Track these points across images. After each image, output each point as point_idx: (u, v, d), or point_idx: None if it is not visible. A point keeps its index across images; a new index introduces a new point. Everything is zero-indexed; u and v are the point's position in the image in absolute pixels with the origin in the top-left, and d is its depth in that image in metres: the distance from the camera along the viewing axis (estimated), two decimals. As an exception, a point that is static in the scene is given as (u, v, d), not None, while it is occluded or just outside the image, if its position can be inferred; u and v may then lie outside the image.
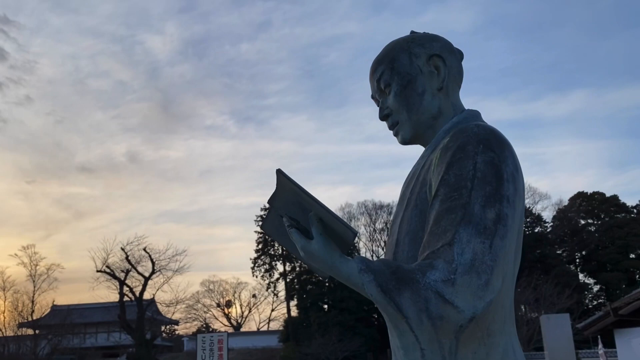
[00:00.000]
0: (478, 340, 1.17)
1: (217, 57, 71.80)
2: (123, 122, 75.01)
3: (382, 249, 55.79)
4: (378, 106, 1.59)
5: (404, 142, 1.54)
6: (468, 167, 1.23)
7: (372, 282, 1.15)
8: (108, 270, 38.03)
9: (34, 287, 36.35)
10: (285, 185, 1.20)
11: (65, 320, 35.05)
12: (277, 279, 55.44)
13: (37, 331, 34.43)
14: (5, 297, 35.99)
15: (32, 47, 62.92)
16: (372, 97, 1.61)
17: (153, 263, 38.64)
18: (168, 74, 65.39)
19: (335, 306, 47.82)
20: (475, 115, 1.49)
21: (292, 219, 1.23)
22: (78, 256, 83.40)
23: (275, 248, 53.69)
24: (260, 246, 53.46)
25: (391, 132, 1.59)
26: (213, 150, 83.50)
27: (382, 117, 1.57)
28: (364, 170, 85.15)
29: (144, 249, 38.55)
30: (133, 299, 38.43)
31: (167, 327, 58.55)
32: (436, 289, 1.11)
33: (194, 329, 42.39)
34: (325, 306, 50.96)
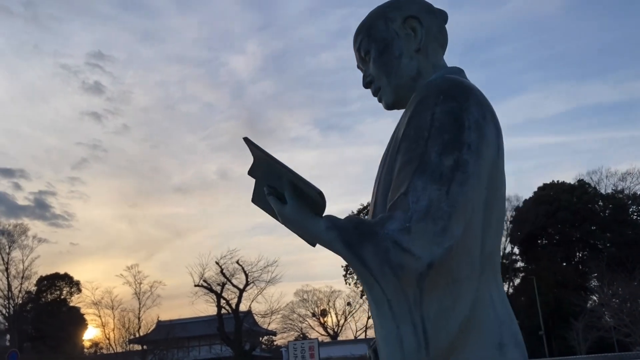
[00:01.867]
0: (442, 289, 1.15)
1: (298, 70, 72.82)
2: (212, 142, 78.01)
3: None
4: None
5: (388, 107, 1.53)
6: (426, 118, 1.23)
7: (337, 238, 1.19)
8: (205, 285, 39.22)
9: (140, 304, 38.24)
10: (257, 154, 1.27)
11: (169, 335, 36.46)
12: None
13: (144, 347, 36.08)
14: (113, 315, 38.13)
15: (126, 79, 67.09)
16: (358, 67, 1.60)
17: (246, 275, 39.37)
18: (252, 92, 67.26)
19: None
20: (452, 71, 1.45)
21: (270, 187, 1.29)
22: (178, 273, 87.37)
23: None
24: (351, 253, 52.58)
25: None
26: (299, 160, 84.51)
27: (366, 85, 1.57)
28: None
29: (237, 262, 39.39)
30: (230, 311, 39.35)
31: (266, 337, 59.59)
32: (394, 238, 1.12)
33: (291, 339, 42.76)
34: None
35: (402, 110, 1.46)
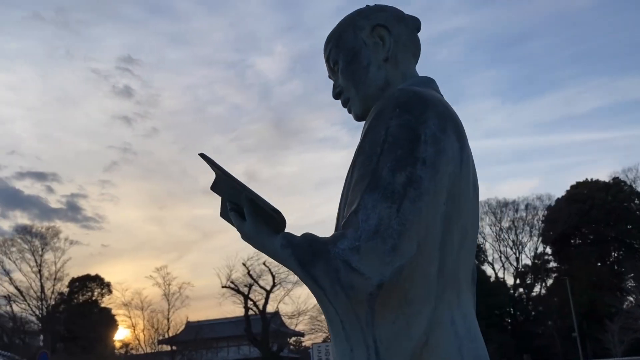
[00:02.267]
0: (395, 310, 1.11)
1: (325, 70, 72.81)
2: (240, 143, 78.52)
3: (511, 249, 52.50)
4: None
5: (357, 118, 1.48)
6: (381, 132, 1.19)
7: (291, 257, 1.16)
8: (232, 286, 39.45)
9: (169, 305, 38.61)
10: (216, 171, 1.27)
11: (198, 335, 36.72)
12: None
13: (173, 347, 36.42)
14: (143, 316, 38.60)
15: (155, 82, 68.13)
16: (329, 77, 1.56)
17: (273, 276, 39.37)
18: (279, 93, 67.47)
19: (464, 312, 45.62)
20: (420, 81, 1.40)
21: (233, 203, 1.29)
22: (206, 274, 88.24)
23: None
24: (379, 254, 52.31)
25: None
26: (327, 161, 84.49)
27: (335, 96, 1.52)
28: (486, 167, 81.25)
29: (264, 263, 39.45)
30: (257, 312, 39.45)
31: (294, 338, 59.63)
32: (344, 257, 1.09)
33: (319, 340, 42.69)
34: (453, 312, 48.90)
35: None
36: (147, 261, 73.78)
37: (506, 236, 52.55)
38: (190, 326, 40.69)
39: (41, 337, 38.18)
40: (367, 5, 1.51)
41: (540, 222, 50.07)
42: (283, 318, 45.85)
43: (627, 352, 31.51)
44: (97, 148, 73.41)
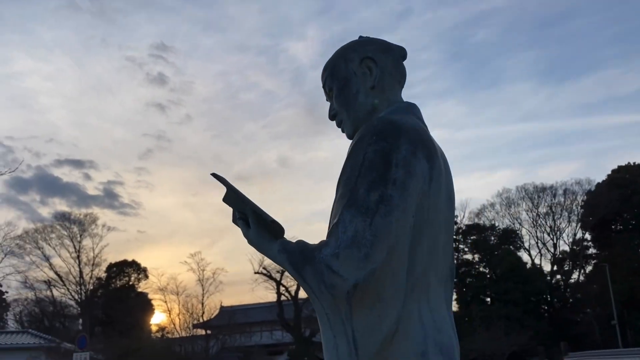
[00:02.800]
0: (369, 307, 1.34)
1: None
2: (272, 130, 78.64)
3: (548, 235, 51.23)
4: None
5: (349, 137, 1.70)
6: (360, 157, 1.42)
7: (286, 261, 1.42)
8: (264, 272, 39.73)
9: (203, 290, 39.18)
10: (226, 185, 1.51)
11: (231, 320, 37.16)
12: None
13: (208, 331, 36.95)
14: (178, 300, 39.26)
15: (188, 69, 68.55)
16: (326, 100, 1.79)
17: (306, 262, 39.38)
18: (311, 78, 66.97)
19: (499, 299, 44.76)
20: (402, 107, 1.62)
21: (240, 213, 1.56)
22: (239, 260, 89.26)
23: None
24: (412, 240, 51.89)
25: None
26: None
27: (331, 118, 1.76)
28: (524, 152, 79.29)
29: (296, 249, 39.49)
30: (290, 298, 39.66)
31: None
32: (326, 262, 1.33)
33: (351, 326, 42.62)
34: (488, 299, 48.02)
35: None
36: (182, 247, 75.01)
37: (543, 222, 51.26)
38: (224, 311, 41.21)
39: (80, 321, 39.31)
40: (360, 36, 1.76)
41: (579, 207, 48.66)
42: (315, 304, 45.92)
43: (670, 342, 30.45)
44: (132, 136, 74.68)
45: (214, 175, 1.52)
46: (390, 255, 1.34)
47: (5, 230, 33.02)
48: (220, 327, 36.83)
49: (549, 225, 50.93)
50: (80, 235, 39.24)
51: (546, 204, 50.63)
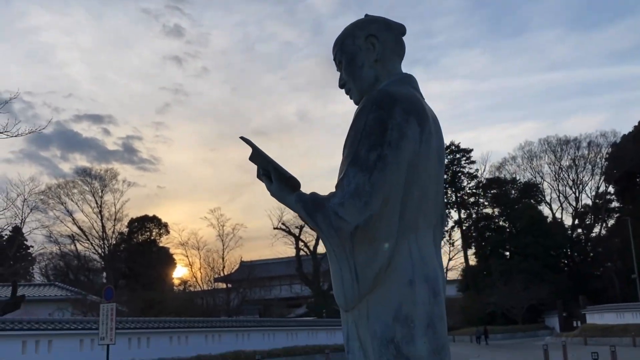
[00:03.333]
0: (367, 245, 1.78)
1: (379, 1, 70.14)
2: (291, 82, 77.73)
3: (570, 188, 50.48)
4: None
5: (355, 103, 2.07)
6: (361, 123, 1.82)
7: (302, 209, 1.84)
8: (284, 227, 40.06)
9: (223, 245, 39.68)
10: (252, 146, 1.89)
11: (251, 274, 37.71)
12: (452, 227, 53.47)
13: (228, 285, 37.60)
14: (199, 255, 39.91)
15: (205, 20, 67.59)
16: (337, 70, 2.16)
17: (324, 217, 39.49)
18: (331, 27, 65.68)
19: (519, 252, 44.65)
20: (400, 79, 2.01)
21: (264, 169, 1.94)
22: (260, 215, 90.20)
23: (449, 195, 51.49)
24: (431, 194, 51.51)
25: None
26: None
27: (340, 86, 2.13)
28: (549, 102, 77.30)
29: (315, 204, 39.54)
30: (308, 253, 40.01)
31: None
32: (334, 209, 1.76)
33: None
34: (507, 253, 47.97)
35: None
36: (201, 203, 75.77)
37: (566, 175, 50.45)
38: (244, 265, 41.79)
39: (104, 274, 40.22)
40: (366, 15, 2.13)
41: (603, 160, 47.67)
42: (334, 258, 46.32)
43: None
44: (149, 90, 74.49)
45: (242, 138, 1.89)
46: (385, 203, 1.76)
47: (29, 185, 33.18)
48: (241, 281, 37.40)
49: (571, 178, 50.11)
50: (102, 191, 39.72)
51: (569, 157, 49.69)
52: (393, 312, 1.77)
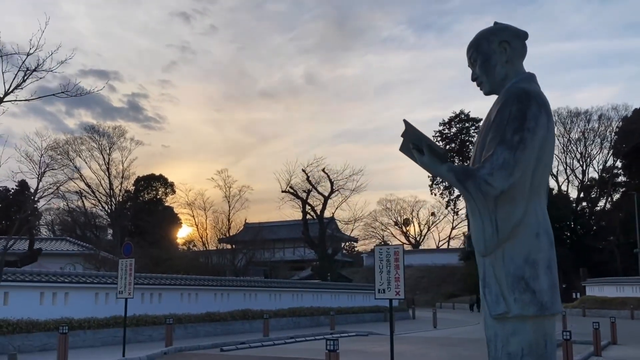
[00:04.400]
0: (508, 204, 2.44)
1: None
2: (300, 43, 76.65)
3: (578, 161, 50.33)
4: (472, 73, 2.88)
5: (486, 94, 2.81)
6: (507, 112, 2.47)
7: (453, 177, 2.50)
8: (291, 191, 40.08)
9: (229, 207, 39.84)
10: (408, 127, 2.55)
11: (257, 236, 38.01)
12: (457, 197, 53.54)
13: (234, 246, 37.95)
14: (205, 216, 40.10)
15: (212, -23, 65.96)
16: (468, 66, 2.84)
17: (332, 183, 39.65)
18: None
19: (522, 223, 44.77)
20: (527, 77, 2.69)
21: (414, 144, 2.57)
22: (265, 178, 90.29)
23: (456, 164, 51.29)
24: (438, 163, 51.45)
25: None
26: (390, 64, 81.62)
27: (473, 79, 2.83)
28: (564, 72, 76.23)
29: (323, 170, 39.61)
30: (315, 217, 40.19)
31: (347, 244, 60.91)
32: (484, 178, 2.41)
33: (372, 246, 43.42)
34: (511, 223, 48.10)
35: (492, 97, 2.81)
36: (206, 164, 75.78)
37: (574, 148, 50.24)
38: (249, 227, 42.08)
39: (110, 231, 40.53)
40: (495, 22, 2.80)
41: (613, 133, 47.37)
42: (339, 224, 46.68)
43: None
44: (156, 46, 73.57)
45: (405, 121, 2.55)
46: (522, 173, 2.40)
47: (47, 140, 33.00)
48: (245, 242, 37.72)
49: (579, 151, 49.92)
50: (110, 148, 39.63)
51: (579, 130, 49.35)
52: (523, 256, 2.43)
